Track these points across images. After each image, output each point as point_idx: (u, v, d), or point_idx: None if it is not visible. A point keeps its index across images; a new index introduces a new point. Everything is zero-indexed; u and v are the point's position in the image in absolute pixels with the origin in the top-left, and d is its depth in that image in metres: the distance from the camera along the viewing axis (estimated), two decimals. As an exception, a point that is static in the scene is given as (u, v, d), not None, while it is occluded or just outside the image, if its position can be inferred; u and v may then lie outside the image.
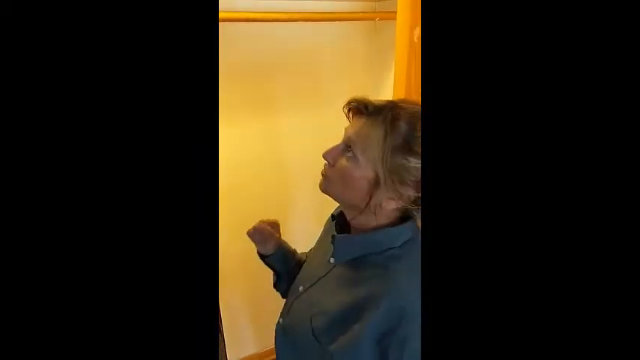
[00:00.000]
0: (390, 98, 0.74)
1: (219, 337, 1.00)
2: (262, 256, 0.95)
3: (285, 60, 1.47)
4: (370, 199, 0.69)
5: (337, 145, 0.72)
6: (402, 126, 0.65)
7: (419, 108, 0.68)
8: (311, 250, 0.97)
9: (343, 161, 0.70)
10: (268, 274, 0.97)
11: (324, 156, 0.73)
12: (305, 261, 0.92)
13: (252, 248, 0.94)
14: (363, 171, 0.67)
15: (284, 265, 0.95)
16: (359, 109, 0.69)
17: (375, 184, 0.67)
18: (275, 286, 0.98)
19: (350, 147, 0.68)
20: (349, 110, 0.71)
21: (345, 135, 0.71)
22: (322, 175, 0.74)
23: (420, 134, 0.65)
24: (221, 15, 1.21)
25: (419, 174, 0.66)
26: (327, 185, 0.73)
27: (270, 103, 1.51)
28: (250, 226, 0.92)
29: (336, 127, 0.76)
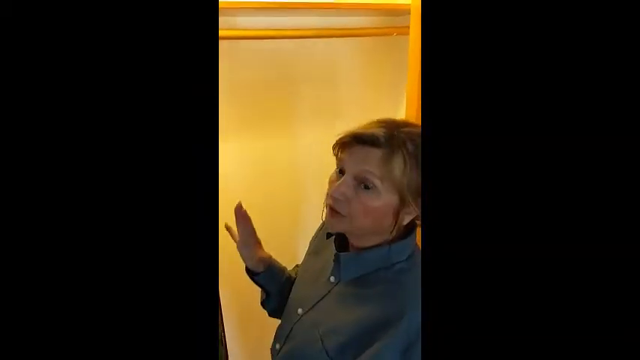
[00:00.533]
0: (404, 111, 0.77)
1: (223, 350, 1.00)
2: (251, 274, 0.92)
3: (304, 75, 1.49)
4: (396, 222, 0.69)
5: (345, 181, 0.69)
6: (411, 147, 0.67)
7: (417, 127, 0.70)
8: (297, 267, 0.96)
9: (362, 195, 0.68)
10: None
11: (335, 194, 0.70)
12: (295, 278, 0.90)
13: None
14: (386, 198, 0.67)
15: (274, 284, 0.93)
16: (363, 140, 0.68)
17: (400, 206, 0.68)
18: (263, 304, 0.96)
19: (365, 179, 0.67)
20: (343, 143, 0.70)
21: (348, 167, 0.69)
22: (333, 213, 0.71)
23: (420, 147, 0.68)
24: (241, 32, 1.24)
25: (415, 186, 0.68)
26: (345, 222, 0.71)
27: (287, 118, 1.52)
28: (263, 242, 0.91)
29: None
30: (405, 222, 0.70)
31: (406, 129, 0.68)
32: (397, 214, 0.69)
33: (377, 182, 0.67)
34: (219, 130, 1.36)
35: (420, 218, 0.70)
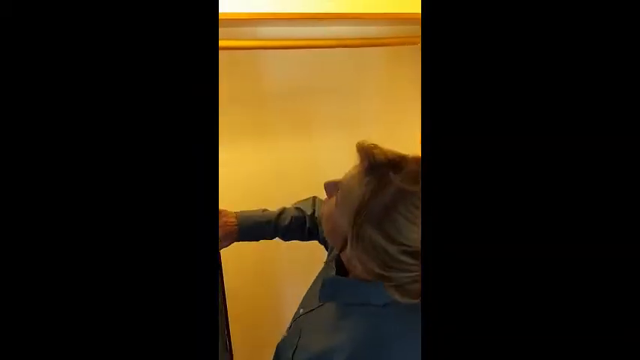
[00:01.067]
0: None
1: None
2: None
3: (322, 85, 1.50)
4: (342, 249, 0.66)
5: (337, 180, 0.69)
6: (386, 199, 0.59)
7: (415, 185, 0.59)
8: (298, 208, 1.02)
9: (333, 199, 0.68)
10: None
11: (325, 186, 0.72)
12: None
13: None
14: (339, 219, 0.65)
15: (263, 231, 0.97)
16: (361, 156, 0.64)
17: (345, 239, 0.64)
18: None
19: (336, 184, 0.67)
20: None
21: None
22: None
23: (402, 219, 0.58)
24: (260, 42, 1.27)
25: (387, 258, 0.60)
26: (321, 215, 0.73)
27: (309, 126, 1.54)
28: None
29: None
30: (357, 270, 0.65)
31: (404, 179, 0.59)
32: (343, 243, 0.64)
33: (339, 198, 0.65)
34: (240, 136, 1.41)
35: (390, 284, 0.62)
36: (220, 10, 1.05)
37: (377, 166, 0.62)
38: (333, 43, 1.33)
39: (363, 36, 1.41)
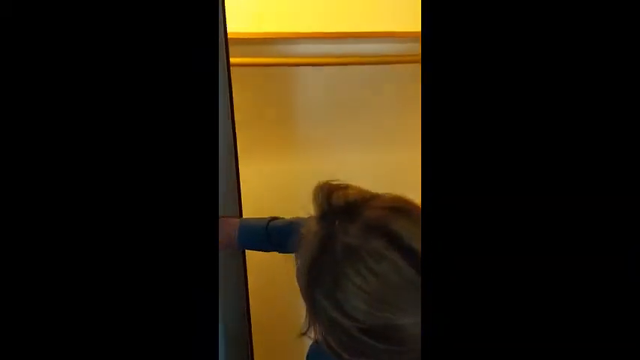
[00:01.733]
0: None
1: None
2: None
3: (348, 101, 1.54)
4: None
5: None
6: (335, 257, 0.46)
7: (373, 239, 0.45)
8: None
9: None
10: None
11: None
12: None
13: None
14: (298, 278, 0.51)
15: (259, 237, 0.84)
16: (316, 200, 0.51)
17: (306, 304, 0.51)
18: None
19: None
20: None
21: None
22: None
23: (351, 286, 0.44)
24: (281, 59, 1.31)
25: (344, 336, 0.46)
26: None
27: (336, 140, 1.57)
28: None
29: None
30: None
31: (371, 231, 0.45)
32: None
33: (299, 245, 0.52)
34: (261, 150, 1.44)
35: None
36: (239, 30, 1.11)
37: (330, 212, 0.49)
38: (360, 60, 1.37)
39: (388, 53, 1.44)
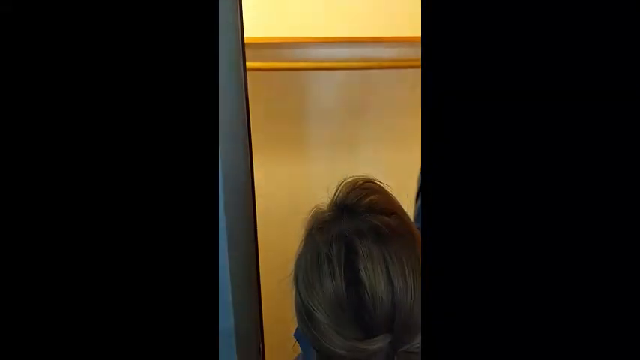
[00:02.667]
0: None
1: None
2: None
3: (361, 104, 1.55)
4: None
5: None
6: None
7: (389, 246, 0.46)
8: None
9: None
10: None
11: None
12: None
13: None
14: None
15: None
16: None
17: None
18: None
19: None
20: None
21: None
22: None
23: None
24: (294, 64, 1.34)
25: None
26: None
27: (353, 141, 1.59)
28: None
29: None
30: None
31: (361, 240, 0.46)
32: None
33: None
34: (274, 151, 1.46)
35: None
36: (256, 35, 1.13)
37: (324, 224, 0.50)
38: (372, 64, 1.39)
39: (399, 58, 1.46)
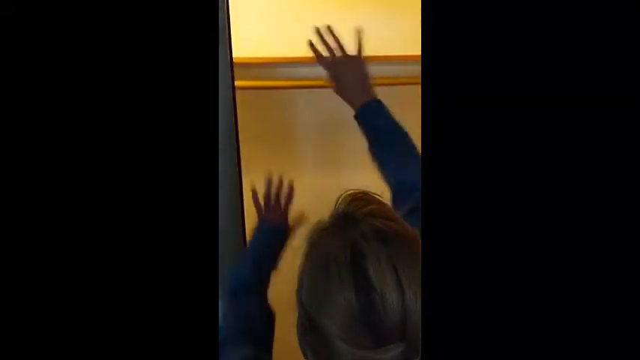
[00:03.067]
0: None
1: None
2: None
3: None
4: None
5: None
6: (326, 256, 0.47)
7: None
8: None
9: None
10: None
11: None
12: None
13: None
14: None
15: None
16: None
17: None
18: None
19: None
20: None
21: None
22: None
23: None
24: (281, 82, 1.35)
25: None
26: None
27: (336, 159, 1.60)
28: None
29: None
30: None
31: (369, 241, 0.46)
32: None
33: None
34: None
35: None
36: (245, 55, 1.15)
37: (338, 220, 0.51)
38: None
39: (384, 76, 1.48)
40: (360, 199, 0.51)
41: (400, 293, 0.44)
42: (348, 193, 0.52)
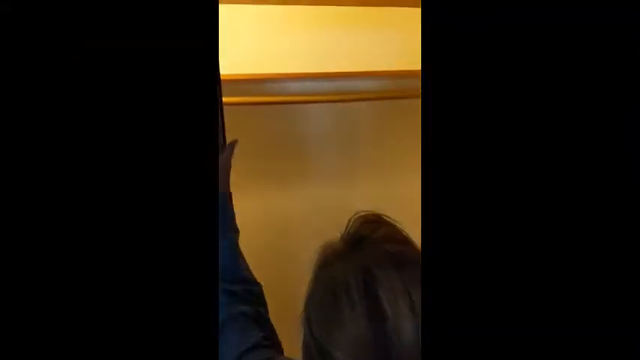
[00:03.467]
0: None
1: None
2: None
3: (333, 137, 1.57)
4: None
5: None
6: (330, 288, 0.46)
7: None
8: None
9: None
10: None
11: None
12: None
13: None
14: None
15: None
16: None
17: None
18: None
19: None
20: None
21: None
22: None
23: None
24: (274, 98, 1.35)
25: None
26: None
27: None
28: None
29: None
30: None
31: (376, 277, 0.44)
32: None
33: None
34: (253, 184, 1.46)
35: None
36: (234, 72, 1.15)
37: (349, 246, 0.49)
38: (350, 97, 1.44)
39: (372, 90, 1.49)
40: (372, 221, 0.50)
41: (415, 321, 0.42)
42: (359, 215, 0.50)
